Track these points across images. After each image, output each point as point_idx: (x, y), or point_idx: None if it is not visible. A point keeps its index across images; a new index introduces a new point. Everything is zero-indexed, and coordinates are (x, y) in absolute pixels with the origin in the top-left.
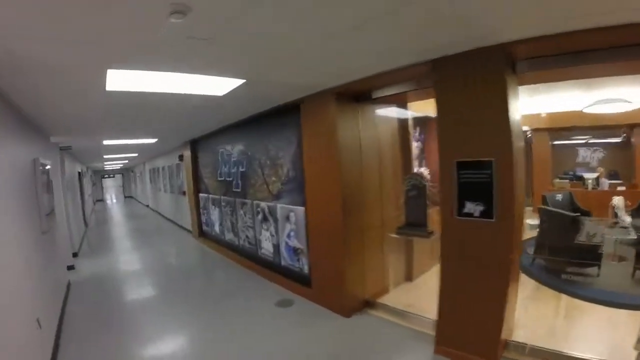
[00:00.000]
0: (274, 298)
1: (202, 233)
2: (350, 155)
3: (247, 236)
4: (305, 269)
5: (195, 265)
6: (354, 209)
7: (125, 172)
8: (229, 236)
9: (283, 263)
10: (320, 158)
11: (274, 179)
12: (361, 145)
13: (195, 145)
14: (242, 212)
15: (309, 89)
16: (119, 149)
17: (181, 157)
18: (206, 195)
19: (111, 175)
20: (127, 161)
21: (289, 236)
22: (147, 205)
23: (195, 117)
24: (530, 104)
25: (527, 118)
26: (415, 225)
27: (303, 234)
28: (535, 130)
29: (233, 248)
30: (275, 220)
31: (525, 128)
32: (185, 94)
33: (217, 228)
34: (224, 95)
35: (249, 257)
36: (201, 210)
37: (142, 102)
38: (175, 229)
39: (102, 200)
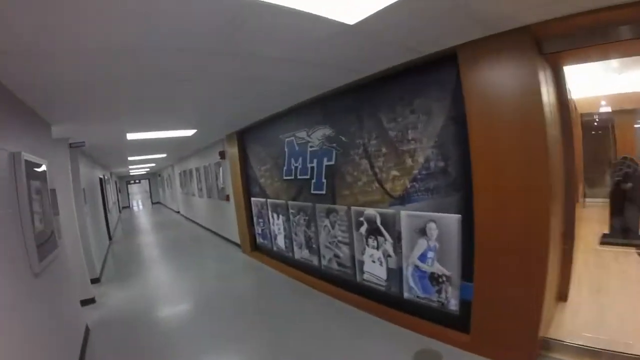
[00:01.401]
0: (406, 347)
1: (256, 247)
2: (551, 129)
3: (336, 255)
4: (452, 305)
5: (258, 292)
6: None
7: (152, 177)
8: (301, 254)
9: (407, 295)
10: (505, 135)
11: (395, 173)
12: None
13: (243, 137)
14: (327, 222)
15: (488, 25)
16: (145, 147)
17: (223, 154)
18: (262, 200)
19: (137, 181)
20: (154, 164)
21: (423, 257)
22: (178, 212)
23: (268, 85)
24: None
25: None
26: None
27: (455, 254)
28: None
29: (309, 269)
30: (396, 235)
31: None
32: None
33: (280, 242)
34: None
35: (340, 283)
36: (255, 219)
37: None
38: (217, 240)
39: (128, 207)
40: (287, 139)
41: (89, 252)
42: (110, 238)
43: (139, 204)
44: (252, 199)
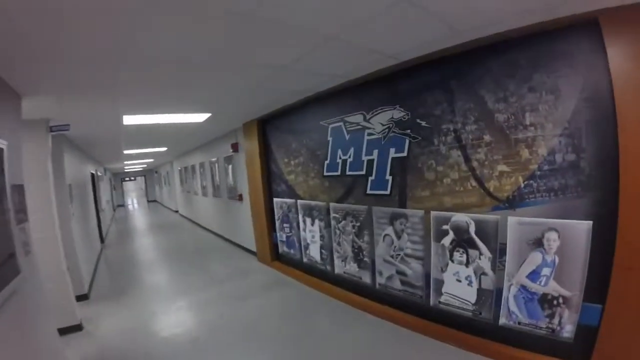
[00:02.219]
0: None
1: (278, 257)
2: None
3: (400, 272)
4: (566, 332)
5: (290, 315)
6: None
7: (148, 174)
8: (345, 268)
9: (504, 322)
10: None
11: (504, 168)
12: None
13: (266, 126)
14: (389, 230)
15: None
16: (144, 137)
17: (236, 147)
18: (290, 201)
19: (132, 178)
20: (151, 160)
21: (534, 275)
22: (176, 211)
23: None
24: None
25: None
26: None
27: (579, 271)
28: None
29: (356, 287)
30: (497, 248)
31: None
32: None
33: (314, 253)
34: None
35: (402, 305)
36: (277, 223)
37: None
38: (226, 246)
39: (123, 205)
40: (332, 126)
41: (75, 262)
42: (102, 241)
43: (134, 202)
44: (275, 199)
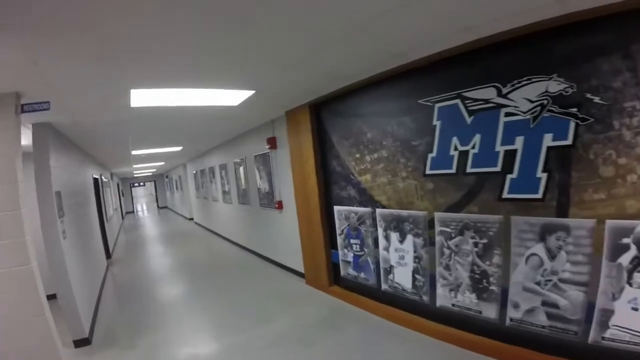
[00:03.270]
0: None
1: (338, 280)
2: None
3: (546, 303)
4: None
5: None
6: None
7: (158, 179)
8: (453, 299)
9: None
10: None
11: None
12: None
13: (321, 112)
14: (538, 248)
15: None
16: (157, 129)
17: (273, 142)
18: (361, 209)
19: (142, 184)
20: (162, 162)
21: None
22: (191, 219)
23: None
24: None
25: None
26: None
27: None
28: None
29: (469, 325)
30: None
31: None
32: None
33: (401, 278)
34: None
35: (547, 347)
36: (340, 238)
37: None
38: (258, 263)
39: (132, 212)
40: (440, 105)
41: (69, 296)
42: (109, 256)
43: (144, 208)
44: (337, 207)
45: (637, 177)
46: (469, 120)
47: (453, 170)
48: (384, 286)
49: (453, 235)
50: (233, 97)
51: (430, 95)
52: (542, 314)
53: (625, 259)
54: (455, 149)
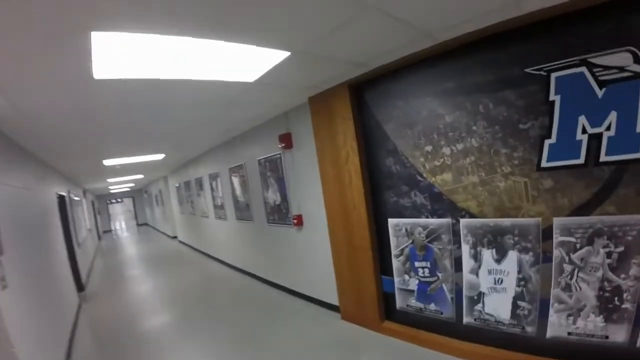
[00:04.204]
0: None
1: (391, 314)
2: None
3: None
4: None
5: None
6: None
7: (137, 195)
8: (570, 327)
9: None
10: None
11: None
12: None
13: (365, 94)
14: None
15: None
16: (135, 136)
17: (288, 141)
18: (437, 221)
19: (119, 200)
20: (141, 175)
21: None
22: (174, 237)
23: None
24: None
25: None
26: None
27: None
28: None
29: (589, 355)
30: None
31: None
32: None
33: (492, 308)
34: None
35: None
36: (399, 261)
37: None
38: (267, 292)
39: (110, 231)
40: (558, 74)
41: None
42: (81, 288)
43: (122, 226)
44: (392, 220)
45: None
46: (600, 93)
47: (581, 160)
48: (466, 319)
49: (578, 246)
50: (253, 66)
51: (544, 61)
52: None
53: None
54: (584, 131)
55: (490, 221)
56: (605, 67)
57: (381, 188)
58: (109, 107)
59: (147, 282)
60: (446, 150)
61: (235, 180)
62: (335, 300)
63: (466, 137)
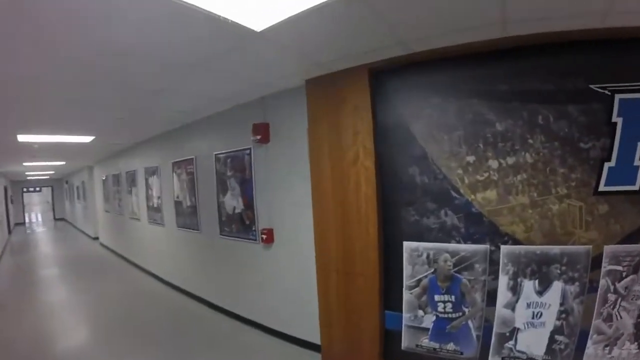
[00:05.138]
0: None
1: (393, 357)
2: None
3: None
4: None
5: None
6: None
7: (57, 184)
8: (607, 357)
9: None
10: None
11: None
12: None
13: (386, 84)
14: None
15: None
16: (62, 101)
17: (263, 132)
18: (471, 248)
19: (37, 189)
20: (63, 162)
21: None
22: (96, 238)
23: None
24: None
25: None
26: None
27: None
28: None
29: None
30: None
31: None
32: None
33: (525, 344)
34: None
35: None
36: (411, 293)
37: None
38: (219, 320)
39: (23, 224)
40: (623, 96)
41: None
42: None
43: (38, 219)
44: (409, 244)
45: None
46: None
47: (636, 187)
48: (493, 358)
49: (624, 274)
50: (269, 6)
51: (610, 80)
52: None
53: None
54: None
55: (537, 249)
56: None
57: (398, 203)
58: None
59: (63, 292)
60: (493, 164)
61: (180, 179)
62: (314, 337)
63: (519, 151)
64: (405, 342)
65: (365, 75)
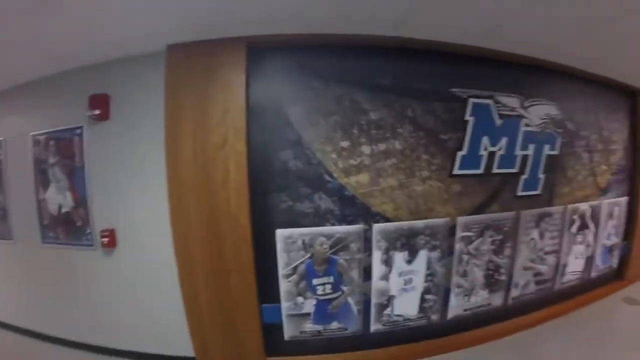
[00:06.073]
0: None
1: (278, 349)
2: None
3: (537, 274)
4: (614, 263)
5: None
6: None
7: None
8: (466, 304)
9: (593, 274)
10: None
11: (604, 167)
12: None
13: (264, 62)
14: (534, 234)
15: None
16: None
17: (101, 106)
18: (346, 229)
19: None
20: None
21: (608, 236)
22: None
23: None
24: None
25: None
26: None
27: (621, 226)
28: None
29: (479, 321)
30: (597, 224)
31: None
32: None
33: (402, 309)
34: None
35: (533, 306)
36: (290, 281)
37: None
38: (49, 354)
39: None
40: (475, 101)
41: None
42: None
43: None
44: (282, 231)
45: (581, 177)
46: (498, 122)
47: (481, 171)
48: (374, 327)
49: (473, 238)
50: None
51: (464, 86)
52: (532, 284)
53: (574, 228)
54: (485, 148)
55: (405, 224)
56: (504, 105)
57: (270, 189)
58: None
59: None
60: (366, 149)
61: None
62: (186, 350)
63: (390, 139)
64: (289, 332)
65: (243, 49)
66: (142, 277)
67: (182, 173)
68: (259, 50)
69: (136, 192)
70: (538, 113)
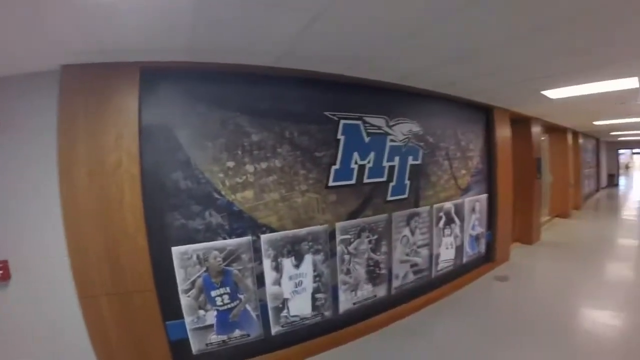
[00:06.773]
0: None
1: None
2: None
3: (413, 265)
4: (482, 250)
5: None
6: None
7: None
8: (354, 298)
9: (465, 260)
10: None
11: (463, 171)
12: None
13: (158, 87)
14: (406, 231)
15: None
16: None
17: None
18: (236, 241)
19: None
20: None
21: (473, 226)
22: None
23: None
24: None
25: None
26: None
27: (484, 218)
28: None
29: (368, 312)
30: (462, 218)
31: None
32: None
33: (297, 309)
34: None
35: (415, 292)
36: (189, 297)
37: None
38: None
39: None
40: (345, 122)
41: None
42: None
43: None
44: (178, 249)
45: (443, 181)
46: (367, 139)
47: (353, 182)
48: (275, 329)
49: (352, 240)
50: None
51: (336, 110)
52: (410, 274)
53: (441, 224)
54: (356, 162)
55: (290, 233)
56: (372, 125)
57: (163, 209)
58: None
59: None
60: (250, 168)
61: None
62: None
63: (271, 158)
64: (196, 346)
65: (137, 74)
66: (42, 308)
67: (78, 197)
68: (152, 75)
69: (30, 219)
70: (402, 130)
